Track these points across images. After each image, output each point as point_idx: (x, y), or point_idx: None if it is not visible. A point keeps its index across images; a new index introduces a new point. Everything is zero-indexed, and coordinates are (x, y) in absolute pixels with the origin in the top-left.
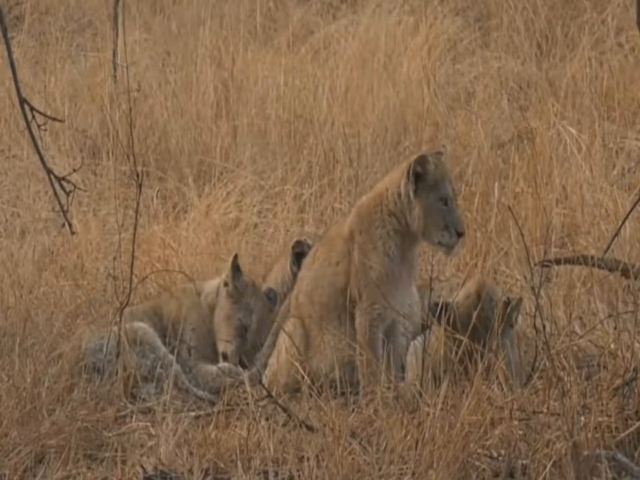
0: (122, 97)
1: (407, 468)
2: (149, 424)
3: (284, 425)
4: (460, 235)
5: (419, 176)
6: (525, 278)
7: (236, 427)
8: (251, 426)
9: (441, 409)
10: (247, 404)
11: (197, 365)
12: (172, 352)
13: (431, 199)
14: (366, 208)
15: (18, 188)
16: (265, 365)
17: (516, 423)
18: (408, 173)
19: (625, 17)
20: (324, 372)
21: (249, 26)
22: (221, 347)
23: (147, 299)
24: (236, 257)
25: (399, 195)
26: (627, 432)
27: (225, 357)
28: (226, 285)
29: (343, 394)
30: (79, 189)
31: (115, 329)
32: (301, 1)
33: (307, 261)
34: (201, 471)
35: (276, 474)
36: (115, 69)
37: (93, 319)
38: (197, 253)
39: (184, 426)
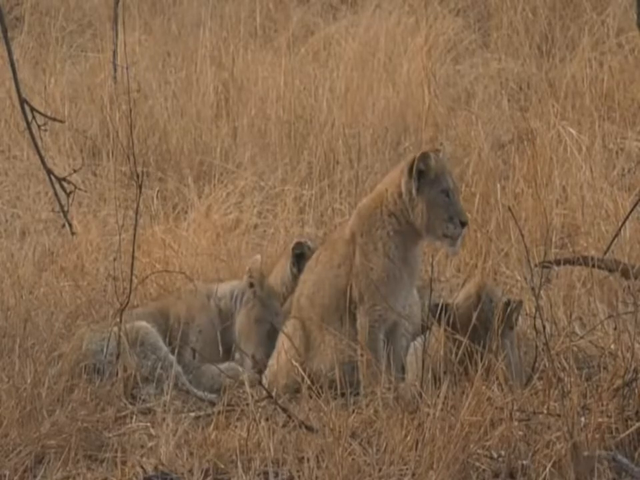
0: (122, 97)
1: (407, 468)
2: (149, 424)
3: (284, 426)
4: (464, 224)
5: (421, 173)
6: (525, 279)
7: (236, 427)
8: (251, 426)
9: (441, 410)
10: (247, 404)
11: (200, 366)
12: (173, 352)
13: (433, 193)
14: (366, 209)
15: (18, 188)
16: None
17: (516, 423)
18: (410, 171)
19: (625, 18)
20: (324, 373)
21: (249, 26)
22: (249, 351)
23: (151, 301)
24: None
25: (400, 195)
26: (627, 433)
27: (256, 361)
28: (252, 286)
29: (343, 395)
30: (79, 189)
31: (116, 329)
32: (301, 1)
33: (309, 264)
34: (201, 472)
35: (276, 474)
36: (114, 69)
37: (93, 320)
38: (197, 253)
39: (184, 426)
